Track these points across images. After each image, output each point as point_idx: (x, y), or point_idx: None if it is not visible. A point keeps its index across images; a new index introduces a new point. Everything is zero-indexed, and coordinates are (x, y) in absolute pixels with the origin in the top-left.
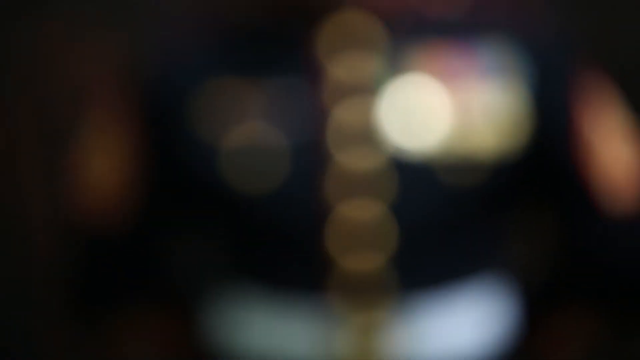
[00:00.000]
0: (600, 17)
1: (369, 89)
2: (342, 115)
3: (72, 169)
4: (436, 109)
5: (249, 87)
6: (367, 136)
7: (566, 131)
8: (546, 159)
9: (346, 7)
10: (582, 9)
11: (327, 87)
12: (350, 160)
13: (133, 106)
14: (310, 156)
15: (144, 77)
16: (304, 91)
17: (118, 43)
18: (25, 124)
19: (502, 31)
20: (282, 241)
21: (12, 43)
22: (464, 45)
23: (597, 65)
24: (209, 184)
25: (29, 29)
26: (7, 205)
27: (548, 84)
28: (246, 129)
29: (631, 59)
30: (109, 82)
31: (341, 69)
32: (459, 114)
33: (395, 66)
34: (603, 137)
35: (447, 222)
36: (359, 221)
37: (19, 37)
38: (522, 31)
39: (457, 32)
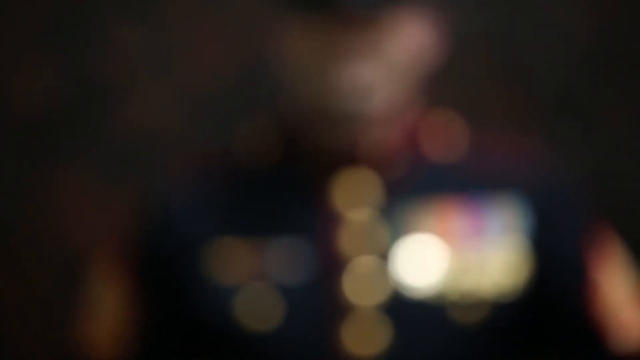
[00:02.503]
0: (605, 167)
1: (378, 244)
2: (351, 264)
3: (79, 318)
4: (443, 260)
5: (256, 245)
6: (375, 283)
7: (571, 274)
8: (549, 300)
9: (357, 164)
10: (585, 158)
11: (336, 238)
12: (356, 300)
13: (139, 256)
14: (318, 298)
15: (151, 228)
16: (313, 241)
17: (125, 195)
18: (36, 276)
19: (507, 183)
20: None
21: (20, 194)
22: (470, 201)
23: (600, 211)
24: (215, 328)
25: (37, 182)
26: (15, 352)
27: (551, 229)
28: (256, 274)
29: (635, 205)
30: (116, 233)
31: (350, 222)
32: (464, 260)
33: (403, 223)
34: (607, 281)
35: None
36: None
37: (27, 189)
38: (526, 182)
39: (463, 187)
